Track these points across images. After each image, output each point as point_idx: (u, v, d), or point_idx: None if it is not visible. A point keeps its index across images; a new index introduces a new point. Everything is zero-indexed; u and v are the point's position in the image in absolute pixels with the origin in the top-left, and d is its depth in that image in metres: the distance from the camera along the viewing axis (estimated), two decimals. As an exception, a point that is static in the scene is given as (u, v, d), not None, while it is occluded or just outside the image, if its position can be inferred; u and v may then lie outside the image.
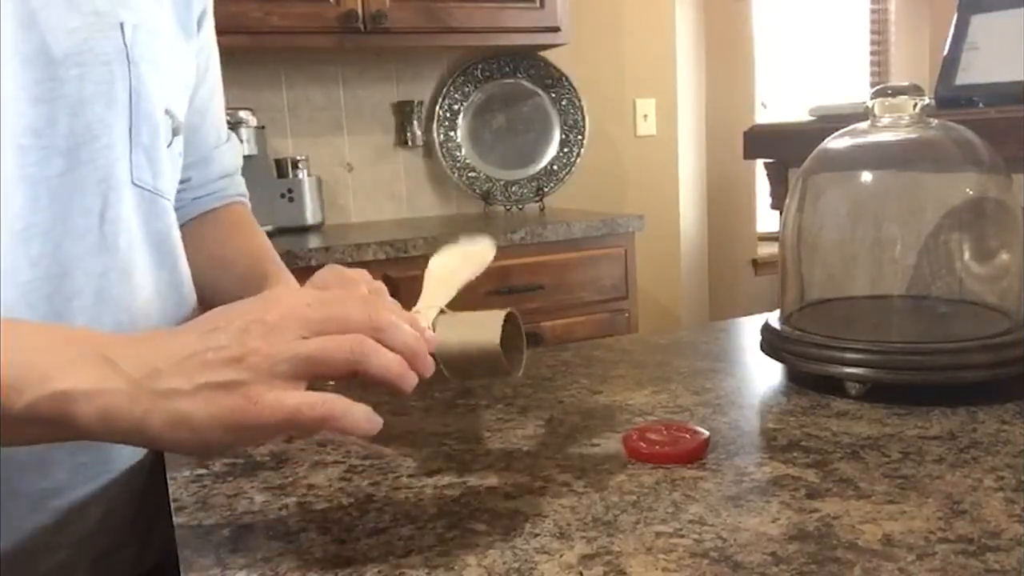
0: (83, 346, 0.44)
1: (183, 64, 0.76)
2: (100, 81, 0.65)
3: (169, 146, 0.73)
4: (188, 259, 0.80)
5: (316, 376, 0.44)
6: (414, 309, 0.55)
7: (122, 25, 0.66)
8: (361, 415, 0.44)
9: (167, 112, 0.71)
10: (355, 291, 0.55)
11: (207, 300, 0.83)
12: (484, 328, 0.54)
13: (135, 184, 0.68)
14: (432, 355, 0.49)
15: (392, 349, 0.46)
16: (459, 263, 0.62)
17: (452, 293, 0.59)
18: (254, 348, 0.43)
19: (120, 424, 0.42)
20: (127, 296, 0.68)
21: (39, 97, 0.62)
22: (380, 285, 0.62)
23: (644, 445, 0.60)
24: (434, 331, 0.54)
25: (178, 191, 0.82)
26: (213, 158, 0.88)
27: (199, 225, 0.88)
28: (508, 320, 0.54)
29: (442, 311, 0.56)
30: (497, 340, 0.53)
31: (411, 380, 0.46)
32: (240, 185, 0.93)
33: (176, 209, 0.80)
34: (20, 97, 0.61)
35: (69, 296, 0.64)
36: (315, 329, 0.44)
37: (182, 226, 0.82)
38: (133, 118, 0.67)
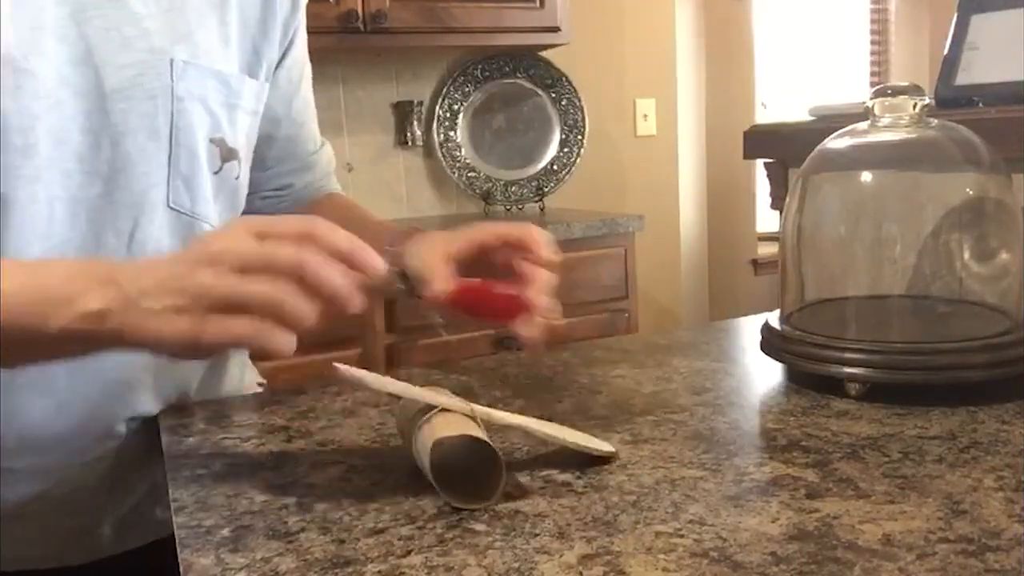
0: (96, 272, 0.52)
1: (243, 97, 0.77)
2: (144, 115, 0.69)
3: (218, 172, 0.76)
4: None
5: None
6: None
7: (172, 62, 0.70)
8: (281, 339, 0.50)
9: (213, 141, 0.75)
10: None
11: None
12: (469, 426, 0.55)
13: (171, 207, 0.72)
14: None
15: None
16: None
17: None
18: (200, 281, 0.50)
19: (124, 336, 0.51)
20: None
21: (87, 127, 0.67)
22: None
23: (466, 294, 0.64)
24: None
25: (275, 197, 0.90)
26: (312, 164, 0.92)
27: (310, 210, 0.91)
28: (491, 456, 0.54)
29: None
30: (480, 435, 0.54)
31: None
32: (336, 184, 0.97)
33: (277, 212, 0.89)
34: (70, 127, 0.66)
35: None
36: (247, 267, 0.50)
37: None
38: (173, 148, 0.71)
